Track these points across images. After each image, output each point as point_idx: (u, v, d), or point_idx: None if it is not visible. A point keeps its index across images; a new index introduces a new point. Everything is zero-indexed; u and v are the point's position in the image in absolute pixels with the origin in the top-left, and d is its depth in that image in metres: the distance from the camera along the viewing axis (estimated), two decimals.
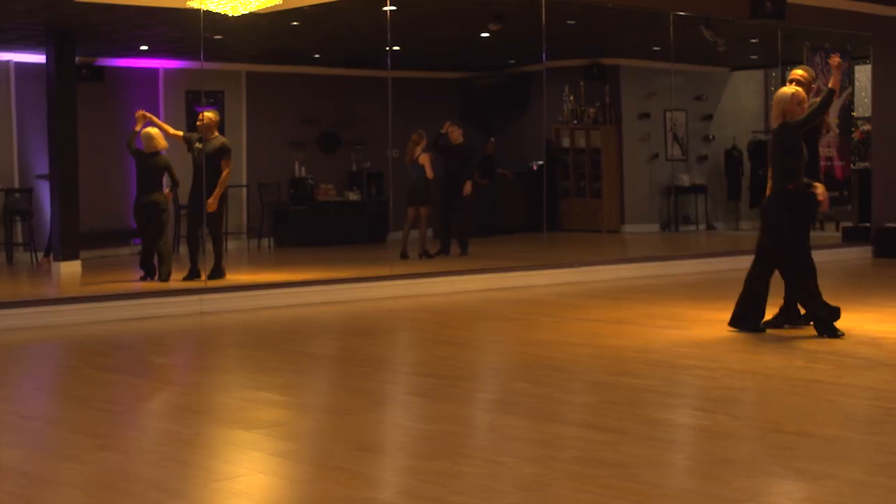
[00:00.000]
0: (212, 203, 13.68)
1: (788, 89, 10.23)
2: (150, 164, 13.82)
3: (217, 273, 13.63)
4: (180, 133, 14.39)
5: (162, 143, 13.90)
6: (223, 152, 13.83)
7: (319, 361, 9.75)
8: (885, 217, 18.66)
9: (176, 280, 13.55)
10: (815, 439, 6.46)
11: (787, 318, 10.54)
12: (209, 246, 13.85)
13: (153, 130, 13.92)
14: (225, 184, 13.84)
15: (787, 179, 9.99)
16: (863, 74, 18.97)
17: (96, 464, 6.12)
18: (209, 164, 13.74)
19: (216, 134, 13.98)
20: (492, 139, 21.53)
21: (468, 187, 17.33)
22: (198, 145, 13.87)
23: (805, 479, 5.68)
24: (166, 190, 14.09)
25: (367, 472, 5.90)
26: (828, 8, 17.91)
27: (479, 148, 21.01)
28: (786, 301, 10.55)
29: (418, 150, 16.87)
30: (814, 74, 10.93)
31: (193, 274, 13.61)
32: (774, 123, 10.23)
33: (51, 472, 5.98)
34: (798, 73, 10.78)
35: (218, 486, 5.67)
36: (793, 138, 10.03)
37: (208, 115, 14.04)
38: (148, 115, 14.10)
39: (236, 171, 18.74)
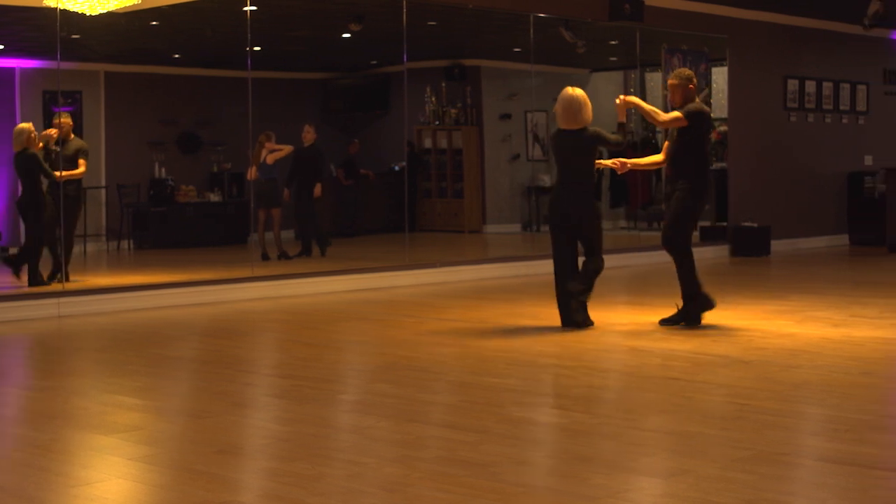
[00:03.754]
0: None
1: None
2: None
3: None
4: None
5: None
6: (81, 153, 13.69)
7: (180, 364, 9.65)
8: (742, 216, 19.01)
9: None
10: (671, 436, 6.55)
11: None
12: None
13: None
14: (75, 176, 13.67)
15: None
16: (719, 76, 19.28)
17: None
18: (68, 167, 13.58)
19: (73, 137, 13.86)
20: (355, 140, 21.52)
21: (318, 189, 17.26)
22: (54, 148, 13.64)
23: (662, 476, 5.76)
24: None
25: (226, 475, 5.86)
26: (685, 11, 18.21)
27: (342, 149, 21.01)
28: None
29: (265, 151, 16.80)
30: (687, 75, 10.94)
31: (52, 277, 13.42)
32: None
33: None
34: (670, 81, 10.92)
35: (75, 492, 5.59)
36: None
37: (68, 119, 13.92)
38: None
39: (94, 172, 18.51)
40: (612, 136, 10.83)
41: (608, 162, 11.14)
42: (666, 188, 10.97)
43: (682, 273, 10.65)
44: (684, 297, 10.71)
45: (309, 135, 17.34)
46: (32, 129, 13.42)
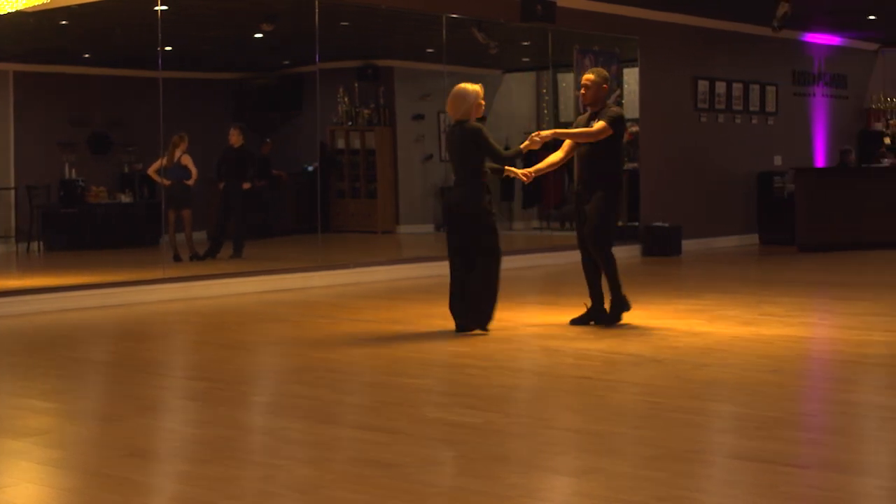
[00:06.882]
0: None
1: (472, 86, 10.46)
2: None
3: None
4: None
5: None
6: None
7: (90, 367, 9.56)
8: (653, 216, 19.14)
9: None
10: (584, 435, 6.59)
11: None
12: None
13: None
14: None
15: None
16: (631, 77, 19.41)
17: None
18: None
19: None
20: (268, 140, 21.43)
21: (245, 184, 17.27)
22: None
23: (576, 475, 5.79)
24: None
25: (138, 479, 5.80)
26: (597, 12, 18.31)
27: (254, 149, 20.90)
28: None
29: (178, 151, 16.71)
30: (605, 74, 10.96)
31: None
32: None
33: None
34: (587, 77, 10.89)
35: None
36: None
37: None
38: None
39: (3, 173, 18.31)
40: (496, 147, 10.52)
41: (518, 171, 10.96)
42: (579, 190, 10.89)
43: (608, 272, 10.67)
44: (610, 297, 10.75)
45: (235, 137, 17.37)
46: None
